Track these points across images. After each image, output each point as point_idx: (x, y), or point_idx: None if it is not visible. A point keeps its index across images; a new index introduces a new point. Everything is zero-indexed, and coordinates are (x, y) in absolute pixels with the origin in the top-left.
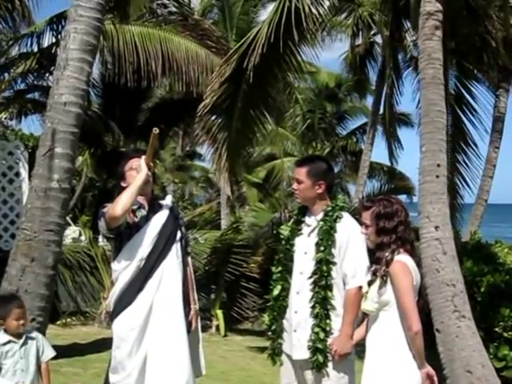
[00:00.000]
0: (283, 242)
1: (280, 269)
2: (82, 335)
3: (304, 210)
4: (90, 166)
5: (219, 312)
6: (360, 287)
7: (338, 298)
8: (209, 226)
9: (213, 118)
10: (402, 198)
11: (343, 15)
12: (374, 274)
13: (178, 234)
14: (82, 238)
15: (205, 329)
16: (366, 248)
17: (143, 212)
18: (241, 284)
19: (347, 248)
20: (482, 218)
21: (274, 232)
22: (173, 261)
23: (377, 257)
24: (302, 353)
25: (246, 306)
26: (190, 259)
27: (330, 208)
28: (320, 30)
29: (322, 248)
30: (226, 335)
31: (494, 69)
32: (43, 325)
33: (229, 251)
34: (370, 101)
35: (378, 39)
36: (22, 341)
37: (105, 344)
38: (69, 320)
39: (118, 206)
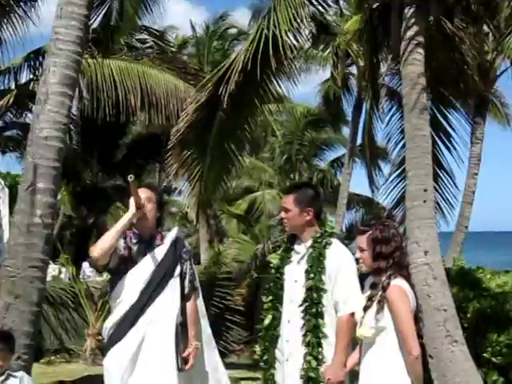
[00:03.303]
0: (273, 271)
1: (270, 298)
2: (68, 372)
3: (293, 238)
4: (67, 203)
5: None
6: (352, 314)
7: (329, 325)
8: None
9: (186, 145)
10: None
11: (320, 47)
12: (370, 299)
13: (177, 269)
14: (62, 275)
15: None
16: (356, 274)
17: (141, 246)
18: (225, 317)
19: (337, 274)
20: (462, 244)
21: (258, 264)
22: (167, 297)
23: (373, 282)
24: (295, 382)
25: (231, 339)
26: (194, 295)
27: (319, 234)
28: (298, 60)
29: (311, 275)
30: None
31: (471, 95)
32: (28, 363)
33: (213, 284)
34: (346, 131)
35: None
36: (2, 378)
37: (92, 381)
38: (53, 358)
39: (97, 248)
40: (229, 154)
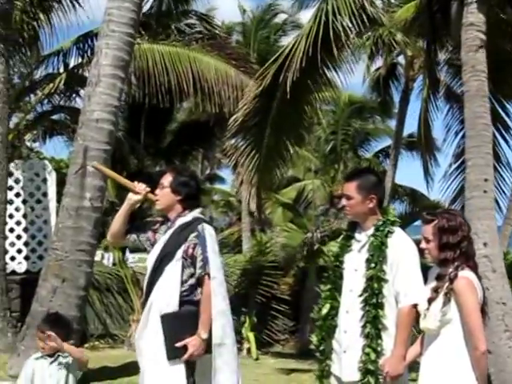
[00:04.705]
0: (332, 259)
1: (329, 287)
2: (112, 358)
3: (354, 226)
4: (111, 188)
5: (250, 335)
6: (413, 305)
7: (389, 316)
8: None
9: (243, 132)
10: None
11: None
12: (436, 290)
13: (179, 253)
14: (105, 261)
15: None
16: (419, 264)
17: (162, 230)
18: (271, 306)
19: (399, 264)
20: (510, 238)
21: (306, 253)
22: (164, 281)
23: (439, 273)
24: (353, 375)
25: (276, 328)
26: (207, 279)
27: (381, 223)
28: (355, 47)
29: (372, 264)
30: (257, 358)
31: None
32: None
33: (259, 273)
34: (393, 123)
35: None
36: (51, 359)
37: (136, 367)
38: (97, 343)
39: (108, 233)
40: (285, 142)
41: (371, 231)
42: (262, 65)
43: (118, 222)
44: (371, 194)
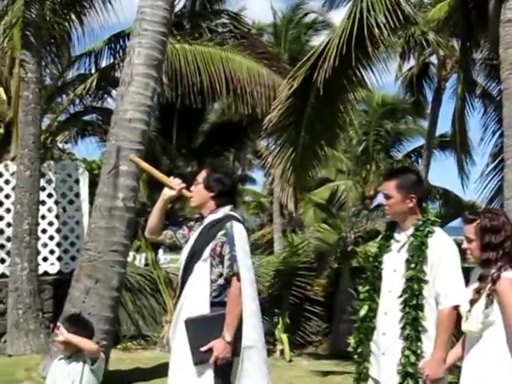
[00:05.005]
0: (371, 259)
1: (367, 288)
2: (145, 360)
3: (393, 225)
4: (143, 189)
5: (284, 336)
6: (454, 307)
7: (429, 318)
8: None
9: (278, 132)
10: (458, 221)
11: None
12: (478, 292)
13: (206, 252)
14: (136, 262)
15: (269, 353)
16: (460, 265)
17: (195, 226)
18: (305, 307)
19: (440, 265)
20: None
21: (339, 254)
22: (193, 282)
23: (481, 274)
24: (392, 378)
25: (309, 329)
26: (235, 280)
27: (420, 222)
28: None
29: (412, 265)
30: (291, 360)
31: None
32: (107, 348)
33: (292, 274)
34: (425, 123)
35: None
36: (68, 360)
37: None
38: (129, 344)
39: (146, 228)
40: (319, 141)
41: (411, 231)
42: (293, 65)
43: (154, 217)
44: (411, 193)
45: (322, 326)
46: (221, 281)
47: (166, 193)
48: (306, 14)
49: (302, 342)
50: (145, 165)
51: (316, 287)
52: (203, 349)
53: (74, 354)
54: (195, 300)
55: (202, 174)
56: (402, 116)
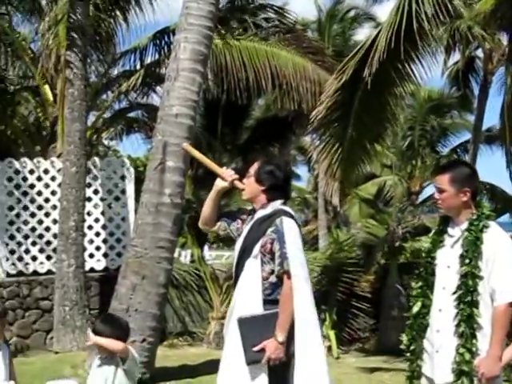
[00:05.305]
0: (424, 255)
1: (420, 284)
2: (191, 356)
3: (446, 220)
4: (188, 185)
5: (331, 333)
6: (510, 304)
7: (484, 315)
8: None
9: (324, 126)
10: (506, 217)
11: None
12: None
13: (256, 249)
14: (182, 258)
15: None
16: None
17: (247, 220)
18: (352, 304)
19: (495, 260)
20: None
21: (387, 249)
22: (244, 279)
23: None
24: (446, 376)
25: (357, 326)
26: (286, 278)
27: (475, 217)
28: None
29: (467, 261)
30: (338, 357)
31: None
32: (154, 345)
33: (339, 270)
34: (471, 117)
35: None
36: (101, 362)
37: (215, 366)
38: (176, 341)
39: (200, 219)
40: (368, 135)
41: (465, 226)
42: (338, 60)
43: (207, 207)
44: (465, 186)
45: (369, 322)
46: (272, 278)
47: (219, 184)
48: (349, 10)
49: (349, 338)
50: (197, 154)
51: (363, 283)
52: (255, 349)
53: (108, 354)
54: (247, 297)
55: (254, 166)
56: (448, 110)
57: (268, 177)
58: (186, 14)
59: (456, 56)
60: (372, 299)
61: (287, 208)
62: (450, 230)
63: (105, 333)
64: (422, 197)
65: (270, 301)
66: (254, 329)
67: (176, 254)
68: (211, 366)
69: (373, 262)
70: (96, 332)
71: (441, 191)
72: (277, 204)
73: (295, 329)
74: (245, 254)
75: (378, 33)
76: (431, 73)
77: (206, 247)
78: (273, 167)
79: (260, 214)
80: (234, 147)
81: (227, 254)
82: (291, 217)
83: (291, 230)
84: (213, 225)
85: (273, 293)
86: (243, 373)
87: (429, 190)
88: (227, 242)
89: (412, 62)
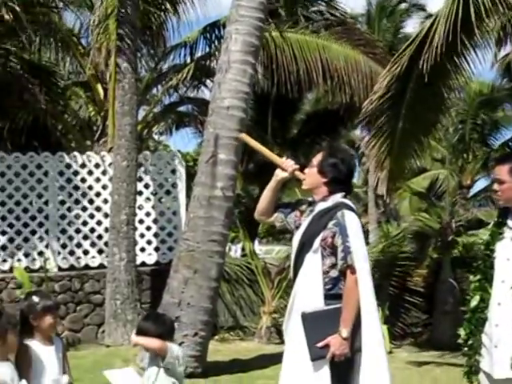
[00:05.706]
0: (482, 248)
1: (479, 277)
2: (242, 351)
3: (506, 212)
4: (238, 181)
5: (384, 327)
6: None
7: None
8: None
9: (376, 117)
10: None
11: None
12: None
13: (316, 242)
14: (232, 252)
15: None
16: None
17: (306, 212)
18: (404, 298)
19: None
20: None
21: (440, 243)
22: (304, 274)
23: None
24: (505, 371)
25: (409, 321)
26: (349, 272)
27: None
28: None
29: None
30: (390, 352)
31: None
32: (206, 339)
33: (392, 264)
34: None
35: None
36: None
37: (267, 360)
38: (227, 335)
39: (256, 209)
40: (421, 127)
41: None
42: (389, 53)
43: (265, 198)
44: None
45: (422, 317)
46: (333, 272)
47: (279, 174)
48: (400, 2)
49: (401, 333)
50: (255, 144)
51: (416, 278)
52: (319, 345)
53: (152, 353)
54: (308, 292)
55: (318, 157)
56: (500, 103)
57: (331, 169)
58: (236, 5)
59: (507, 49)
60: (424, 294)
61: (348, 201)
62: (509, 222)
63: (148, 331)
64: (473, 191)
65: (332, 295)
66: (317, 324)
67: (226, 248)
68: (262, 361)
69: (425, 256)
70: (139, 330)
71: (500, 182)
72: (338, 197)
73: (362, 324)
74: (304, 248)
75: (432, 24)
76: (485, 64)
77: (256, 242)
78: (337, 160)
79: (320, 206)
80: (284, 141)
81: (277, 248)
82: (352, 210)
83: (353, 224)
84: (270, 216)
85: (334, 287)
86: (307, 368)
87: (480, 184)
88: (277, 236)
89: (468, 53)
